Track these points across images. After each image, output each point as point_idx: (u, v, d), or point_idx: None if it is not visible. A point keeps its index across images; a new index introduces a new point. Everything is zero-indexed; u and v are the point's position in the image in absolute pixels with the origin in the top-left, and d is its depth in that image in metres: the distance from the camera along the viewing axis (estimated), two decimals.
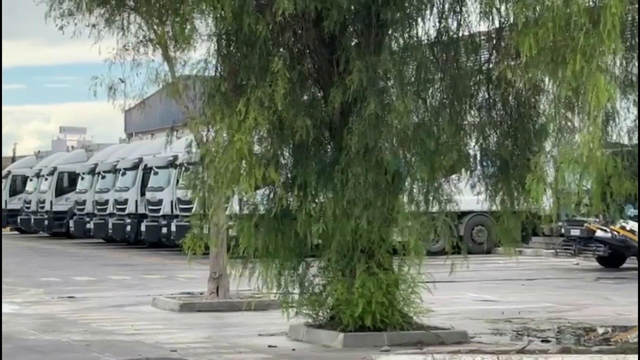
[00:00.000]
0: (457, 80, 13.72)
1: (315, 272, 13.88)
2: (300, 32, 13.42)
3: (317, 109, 13.31)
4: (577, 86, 11.98)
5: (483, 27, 13.62)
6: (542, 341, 13.58)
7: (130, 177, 38.31)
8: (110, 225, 39.03)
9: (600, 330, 14.78)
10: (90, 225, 41.27)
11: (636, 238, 26.20)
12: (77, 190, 43.43)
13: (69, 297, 20.63)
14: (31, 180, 49.53)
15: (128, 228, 37.38)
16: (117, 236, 38.55)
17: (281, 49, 13.46)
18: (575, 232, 27.93)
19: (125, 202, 38.21)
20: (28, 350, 13.39)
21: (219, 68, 14.10)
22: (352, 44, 13.18)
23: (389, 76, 13.29)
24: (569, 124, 13.50)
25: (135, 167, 37.91)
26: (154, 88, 15.31)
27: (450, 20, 13.71)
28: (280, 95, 12.68)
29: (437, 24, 13.72)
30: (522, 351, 12.55)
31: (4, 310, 18.79)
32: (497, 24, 13.29)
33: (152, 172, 36.28)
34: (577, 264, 28.74)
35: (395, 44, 13.48)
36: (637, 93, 13.51)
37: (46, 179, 47.22)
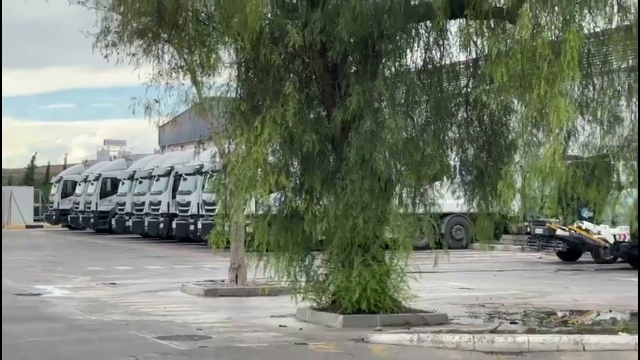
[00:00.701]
0: (440, 102, 13.65)
1: (319, 263, 13.81)
2: (307, 60, 13.39)
3: (321, 125, 13.25)
4: (542, 107, 11.83)
5: (462, 57, 13.49)
6: (511, 323, 13.51)
7: (163, 182, 38.29)
8: (146, 223, 38.96)
9: (560, 314, 14.78)
10: (129, 223, 41.52)
11: (590, 236, 26.13)
12: (118, 193, 43.35)
13: (111, 283, 20.51)
14: (80, 184, 49.48)
15: (161, 225, 37.31)
16: (151, 232, 38.47)
17: (292, 75, 13.46)
18: (539, 230, 27.74)
19: (159, 203, 38.17)
20: (77, 328, 13.31)
21: (238, 91, 14.07)
22: (352, 71, 13.11)
23: (383, 98, 13.21)
24: (535, 139, 13.41)
25: (167, 174, 37.88)
26: (184, 107, 15.29)
27: (434, 52, 13.62)
28: (290, 114, 12.71)
29: (423, 55, 13.64)
30: (494, 331, 12.48)
31: (57, 294, 18.96)
32: (474, 55, 13.16)
33: (182, 178, 36.28)
34: (541, 257, 28.52)
35: (388, 72, 13.41)
36: (591, 112, 13.56)
37: (92, 184, 47.23)
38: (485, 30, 12.75)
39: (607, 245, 25.73)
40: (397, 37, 13.31)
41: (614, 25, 12.34)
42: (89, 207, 47.28)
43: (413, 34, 13.51)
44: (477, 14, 12.43)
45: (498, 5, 12.36)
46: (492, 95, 13.01)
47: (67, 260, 28.76)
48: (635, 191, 17.43)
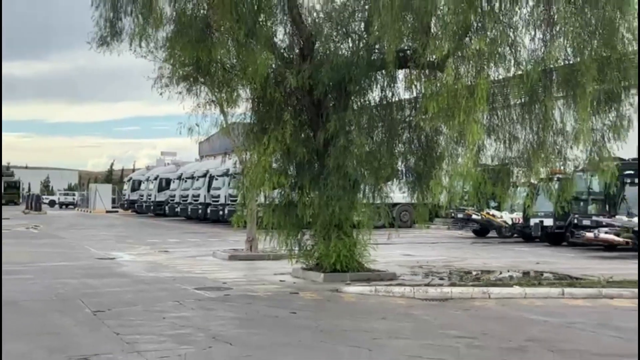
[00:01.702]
0: (391, 127, 13.51)
1: (308, 237, 13.66)
2: (300, 97, 13.23)
3: (309, 142, 13.08)
4: (461, 130, 11.69)
5: (407, 96, 13.27)
6: (440, 279, 13.49)
7: (201, 181, 38.21)
8: (189, 209, 38.90)
9: (474, 273, 14.76)
10: (178, 209, 40.79)
11: (495, 219, 26.18)
12: (170, 188, 43.36)
13: (164, 251, 20.28)
14: (144, 182, 49.38)
15: (199, 211, 37.20)
16: (193, 215, 38.25)
17: (289, 107, 13.34)
18: (460, 215, 27.43)
19: (198, 196, 38.11)
20: (139, 282, 13.22)
21: (252, 118, 13.96)
22: (330, 105, 12.98)
23: (352, 124, 13.02)
24: (456, 152, 13.38)
25: (204, 175, 37.81)
26: (215, 129, 15.09)
27: (387, 91, 13.43)
28: (288, 134, 12.65)
29: (380, 94, 13.48)
30: (427, 284, 12.52)
31: (126, 258, 18.57)
32: (414, 94, 12.91)
33: (214, 178, 36.20)
34: (461, 234, 28.20)
35: (355, 105, 13.29)
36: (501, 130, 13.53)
37: (152, 182, 47.16)
38: (422, 77, 12.50)
39: (506, 225, 25.73)
40: (362, 82, 13.21)
41: (511, 74, 12.28)
42: (150, 198, 47.13)
43: (372, 79, 13.42)
44: (417, 65, 12.23)
45: (431, 59, 11.97)
46: (427, 122, 12.78)
47: (133, 234, 28.53)
48: (526, 188, 17.40)
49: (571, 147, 12.62)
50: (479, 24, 11.90)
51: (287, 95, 13.07)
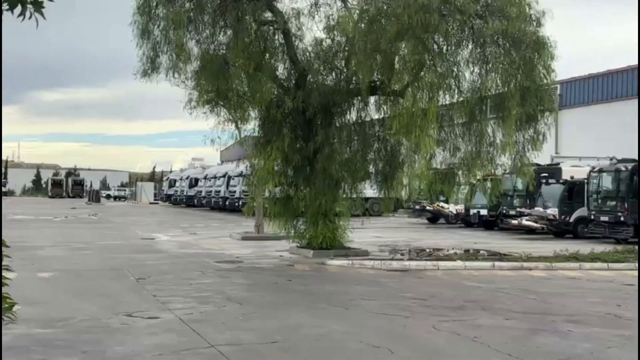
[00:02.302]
0: (364, 139, 13.65)
1: (301, 223, 13.72)
2: (295, 117, 13.29)
3: (302, 151, 13.11)
4: (417, 142, 11.89)
5: (376, 116, 13.47)
6: (401, 255, 13.56)
7: (221, 180, 38.19)
8: (212, 202, 38.88)
9: (427, 250, 14.78)
10: (204, 202, 40.81)
11: (443, 210, 26.45)
12: (198, 186, 43.49)
13: (192, 233, 20.40)
14: (178, 181, 49.26)
15: (220, 202, 37.22)
16: (215, 206, 38.19)
17: (287, 124, 13.38)
18: (417, 207, 27.42)
19: (219, 191, 38.16)
20: (172, 257, 13.41)
21: (259, 132, 14.02)
22: (318, 122, 12.98)
23: (335, 137, 13.16)
24: (414, 159, 13.63)
25: (224, 176, 37.73)
26: (232, 141, 15.09)
27: (361, 112, 13.60)
28: (286, 144, 12.84)
29: (356, 114, 13.63)
30: (392, 259, 12.62)
31: (163, 238, 18.69)
32: (382, 114, 13.09)
33: (232, 178, 36.23)
34: (418, 221, 28.18)
35: (337, 123, 13.41)
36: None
37: (185, 181, 47.06)
38: (388, 101, 12.84)
39: (452, 214, 25.83)
40: (342, 105, 13.40)
41: (455, 100, 12.39)
42: (183, 193, 47.03)
43: (350, 103, 13.60)
44: (384, 93, 12.66)
45: (394, 89, 12.29)
46: (391, 136, 13.06)
47: (169, 220, 28.70)
48: (467, 186, 17.67)
49: (500, 156, 12.82)
50: (431, 62, 12.17)
51: (286, 115, 13.16)
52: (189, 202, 46.39)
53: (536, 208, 21.18)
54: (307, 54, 13.25)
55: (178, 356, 5.47)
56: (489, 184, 15.28)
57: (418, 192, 15.40)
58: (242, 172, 32.42)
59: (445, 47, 12.05)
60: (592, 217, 19.14)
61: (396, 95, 12.42)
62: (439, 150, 13.08)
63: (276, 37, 13.02)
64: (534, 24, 11.88)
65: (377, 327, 6.87)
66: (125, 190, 79.63)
